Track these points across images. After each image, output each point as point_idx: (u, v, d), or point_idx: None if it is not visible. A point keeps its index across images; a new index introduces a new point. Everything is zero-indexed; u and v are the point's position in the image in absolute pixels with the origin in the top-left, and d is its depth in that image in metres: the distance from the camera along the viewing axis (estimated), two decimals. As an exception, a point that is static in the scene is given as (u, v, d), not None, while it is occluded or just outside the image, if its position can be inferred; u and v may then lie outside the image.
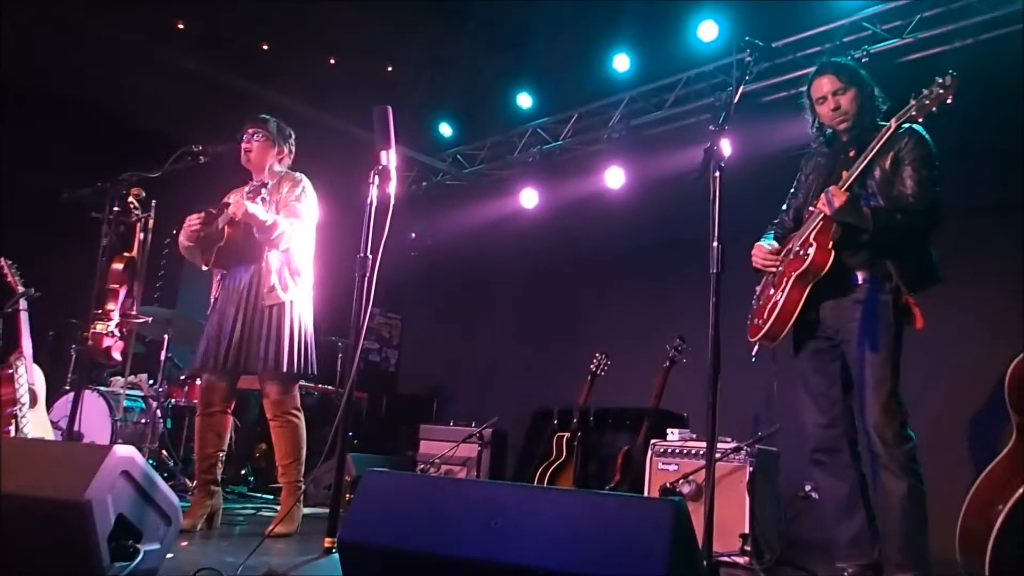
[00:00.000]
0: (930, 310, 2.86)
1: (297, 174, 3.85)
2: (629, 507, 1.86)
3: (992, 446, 3.23)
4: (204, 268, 3.85)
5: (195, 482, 3.77)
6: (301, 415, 3.75)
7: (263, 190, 3.57)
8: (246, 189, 3.64)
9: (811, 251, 2.85)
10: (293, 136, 3.93)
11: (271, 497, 5.29)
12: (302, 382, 6.01)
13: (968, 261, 4.56)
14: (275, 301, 3.63)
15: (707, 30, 5.65)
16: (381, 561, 1.98)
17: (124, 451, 2.28)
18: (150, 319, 4.92)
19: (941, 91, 2.66)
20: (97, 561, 2.13)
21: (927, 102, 2.68)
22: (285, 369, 3.60)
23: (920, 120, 2.75)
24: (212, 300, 3.79)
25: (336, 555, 2.19)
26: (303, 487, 3.73)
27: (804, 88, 3.15)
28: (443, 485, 2.31)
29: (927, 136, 2.89)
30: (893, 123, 2.77)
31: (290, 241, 3.66)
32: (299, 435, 3.71)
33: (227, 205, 3.65)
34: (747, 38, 3.01)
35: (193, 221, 3.70)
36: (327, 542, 2.73)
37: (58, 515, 2.13)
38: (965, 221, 4.55)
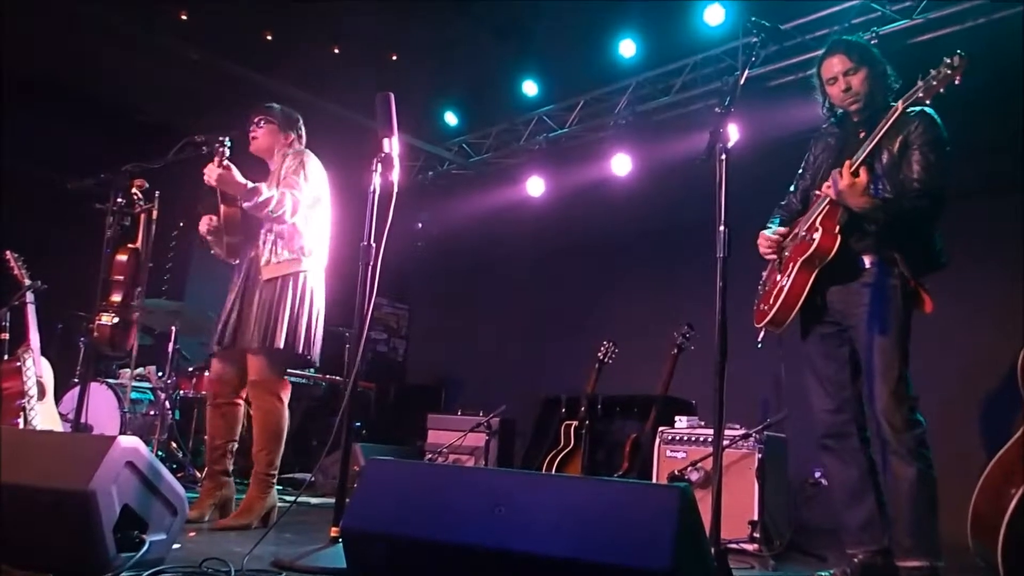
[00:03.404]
0: (940, 294, 2.83)
1: (302, 149, 3.77)
2: (634, 493, 1.84)
3: (1004, 430, 3.19)
4: (230, 261, 3.76)
5: (204, 471, 3.73)
6: (283, 403, 3.56)
7: (223, 149, 3.39)
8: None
9: (817, 235, 2.81)
10: (301, 120, 3.86)
11: (280, 488, 5.29)
12: (309, 372, 6.05)
13: (980, 244, 4.53)
14: (270, 275, 3.52)
15: (714, 14, 5.59)
16: (385, 548, 1.97)
17: (128, 442, 2.28)
18: (154, 310, 4.93)
19: (949, 71, 2.60)
20: (102, 551, 2.13)
21: (935, 83, 2.63)
22: (259, 344, 3.43)
23: (928, 102, 2.69)
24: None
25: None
26: (273, 479, 3.56)
27: (813, 71, 3.10)
28: (447, 473, 2.30)
29: (938, 120, 2.84)
30: (900, 105, 2.71)
31: (282, 208, 3.48)
32: (273, 423, 3.51)
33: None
34: (753, 19, 2.97)
35: (203, 222, 3.67)
36: (333, 531, 2.73)
37: (63, 505, 2.12)
38: (978, 204, 4.51)
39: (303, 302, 3.57)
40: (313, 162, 3.73)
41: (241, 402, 3.70)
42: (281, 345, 3.46)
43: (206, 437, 3.70)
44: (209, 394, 3.72)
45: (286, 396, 3.61)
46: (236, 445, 3.72)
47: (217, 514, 3.59)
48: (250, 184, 3.45)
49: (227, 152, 3.43)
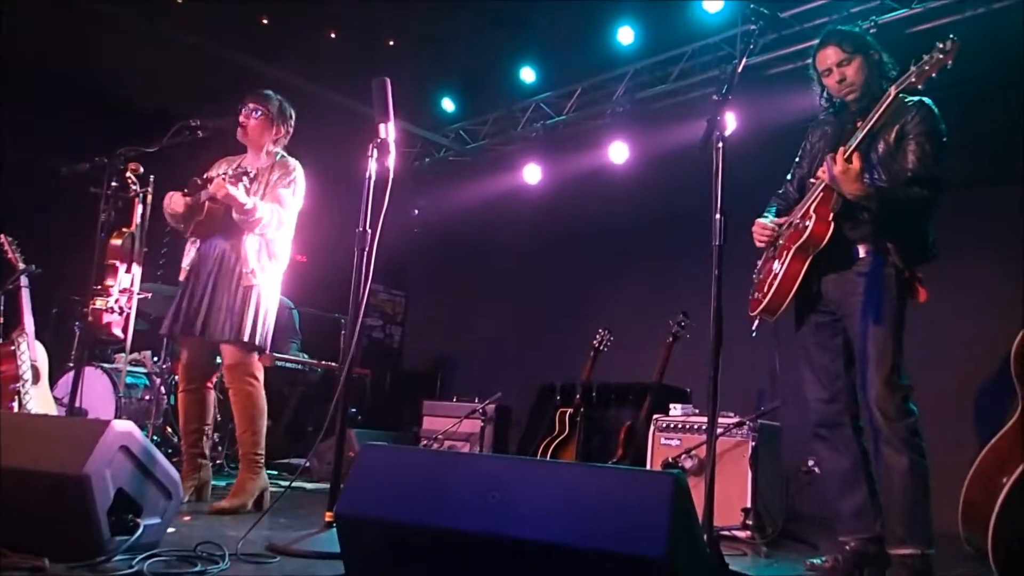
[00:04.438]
0: (935, 284, 2.83)
1: (291, 162, 3.78)
2: (628, 480, 1.85)
3: (997, 419, 3.22)
4: (186, 236, 3.80)
5: (183, 456, 3.76)
6: (258, 383, 3.65)
7: (245, 177, 3.52)
8: (228, 171, 3.58)
9: (810, 223, 2.81)
10: (294, 116, 3.86)
11: (275, 473, 5.31)
12: (304, 357, 6.11)
13: (977, 234, 4.53)
14: (248, 283, 3.60)
15: (712, 2, 5.57)
16: (379, 534, 1.97)
17: (123, 426, 2.29)
18: (150, 295, 4.91)
19: (941, 56, 2.60)
20: (97, 535, 2.14)
21: (927, 68, 2.62)
22: (243, 337, 3.54)
23: (920, 86, 2.68)
24: (186, 267, 3.74)
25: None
26: (261, 459, 3.63)
27: (810, 60, 3.09)
28: (442, 458, 2.30)
29: (936, 111, 2.83)
30: (893, 91, 2.70)
31: (268, 227, 3.60)
32: (253, 403, 3.61)
33: (211, 180, 3.59)
34: (752, 6, 2.96)
35: (177, 200, 3.67)
36: (328, 516, 2.74)
37: (58, 489, 2.13)
38: (975, 194, 4.51)
39: (267, 305, 3.68)
40: (302, 178, 3.77)
41: (211, 387, 3.82)
42: (246, 339, 3.56)
43: (180, 423, 3.77)
44: (180, 381, 3.78)
45: (260, 374, 3.69)
46: (211, 428, 3.83)
47: (194, 498, 3.65)
48: (249, 203, 3.52)
49: (247, 183, 3.53)
